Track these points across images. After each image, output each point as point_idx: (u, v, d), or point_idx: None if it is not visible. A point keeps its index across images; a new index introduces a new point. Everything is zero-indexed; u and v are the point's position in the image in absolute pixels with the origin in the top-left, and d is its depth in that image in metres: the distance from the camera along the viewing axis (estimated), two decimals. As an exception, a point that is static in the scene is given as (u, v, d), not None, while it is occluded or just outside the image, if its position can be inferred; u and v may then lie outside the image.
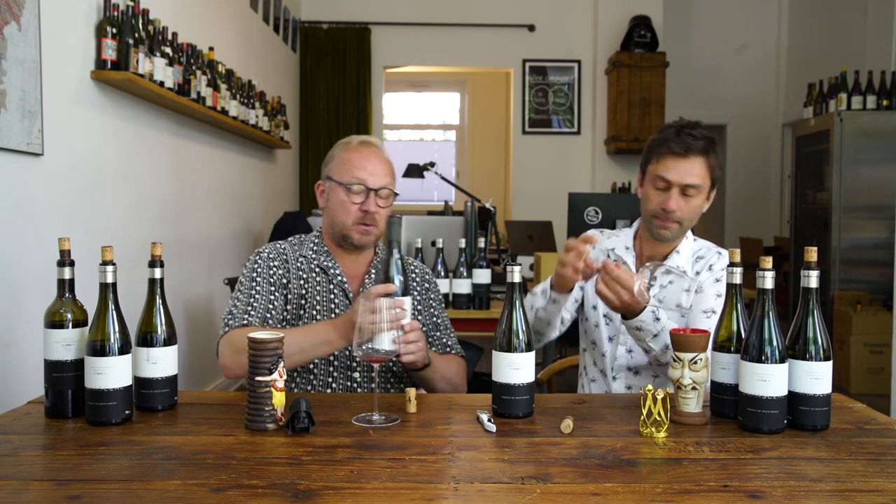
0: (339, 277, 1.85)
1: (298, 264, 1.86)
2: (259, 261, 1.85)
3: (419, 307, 1.93)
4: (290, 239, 1.93)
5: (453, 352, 1.93)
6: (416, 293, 1.93)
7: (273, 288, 1.81)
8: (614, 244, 2.02)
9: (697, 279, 1.90)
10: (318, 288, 1.84)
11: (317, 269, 1.86)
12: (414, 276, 1.95)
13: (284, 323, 1.82)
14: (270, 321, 1.79)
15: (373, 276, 1.89)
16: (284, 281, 1.83)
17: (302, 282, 1.84)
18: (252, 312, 1.77)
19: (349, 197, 1.81)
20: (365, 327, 1.45)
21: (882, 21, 5.92)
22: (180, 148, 3.89)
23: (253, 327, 1.74)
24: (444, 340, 1.94)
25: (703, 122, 1.88)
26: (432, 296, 1.96)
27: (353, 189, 1.81)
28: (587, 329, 2.02)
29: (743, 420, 1.39)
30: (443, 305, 2.01)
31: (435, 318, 1.95)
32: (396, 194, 1.88)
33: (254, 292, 1.80)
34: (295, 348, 1.63)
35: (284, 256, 1.86)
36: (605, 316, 1.97)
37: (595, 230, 2.11)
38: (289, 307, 1.82)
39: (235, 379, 1.65)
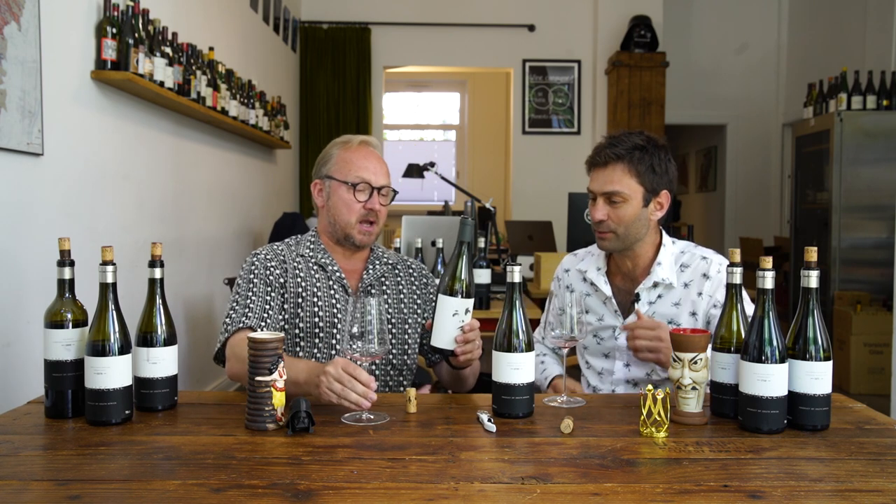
0: (338, 273, 1.86)
1: (296, 264, 1.86)
2: (256, 262, 1.85)
3: (422, 304, 1.94)
4: (286, 240, 1.94)
5: None
6: (416, 292, 1.94)
7: (270, 289, 1.81)
8: (587, 266, 1.96)
9: (688, 292, 1.84)
10: (318, 285, 1.84)
11: (315, 267, 1.86)
12: (412, 277, 1.96)
13: (283, 323, 1.82)
14: (268, 320, 1.78)
15: (370, 271, 1.90)
16: (282, 280, 1.83)
17: (300, 280, 1.84)
18: (249, 315, 1.76)
19: (354, 195, 1.84)
20: (325, 395, 1.44)
21: (882, 21, 5.92)
22: (180, 148, 3.89)
23: (250, 331, 1.74)
24: None
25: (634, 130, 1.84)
26: (431, 290, 1.98)
27: (358, 188, 1.84)
28: (578, 350, 2.02)
29: (743, 420, 1.39)
30: None
31: None
32: (396, 192, 1.93)
33: (251, 294, 1.80)
34: None
35: (282, 257, 1.87)
36: (594, 336, 1.93)
37: (569, 254, 2.08)
38: (286, 306, 1.82)
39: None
